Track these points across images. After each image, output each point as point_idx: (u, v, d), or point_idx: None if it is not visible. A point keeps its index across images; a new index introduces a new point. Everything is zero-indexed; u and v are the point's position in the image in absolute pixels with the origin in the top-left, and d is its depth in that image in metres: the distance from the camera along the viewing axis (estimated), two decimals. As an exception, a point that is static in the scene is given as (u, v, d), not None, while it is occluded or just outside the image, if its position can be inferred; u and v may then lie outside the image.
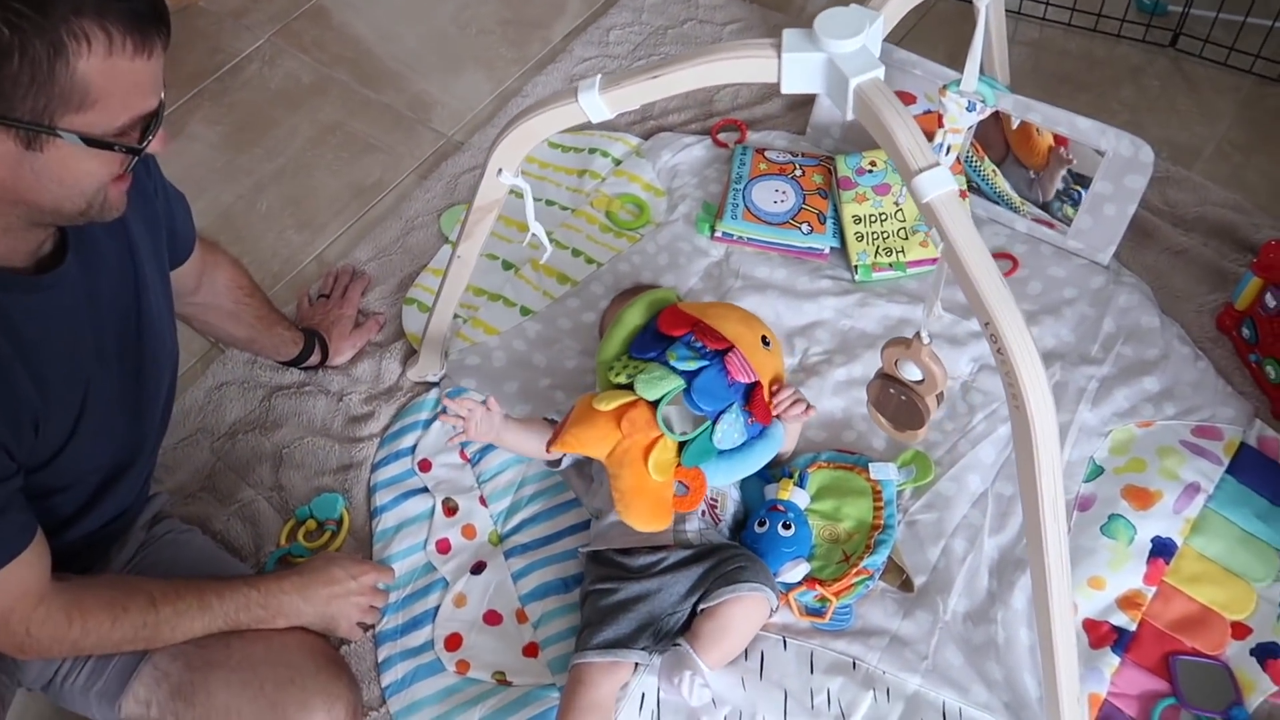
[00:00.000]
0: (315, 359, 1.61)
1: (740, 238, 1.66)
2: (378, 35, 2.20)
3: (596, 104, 1.05)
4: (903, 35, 1.88)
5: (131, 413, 1.14)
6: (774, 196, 1.67)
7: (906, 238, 1.59)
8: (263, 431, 1.58)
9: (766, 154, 1.73)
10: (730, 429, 1.24)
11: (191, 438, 1.59)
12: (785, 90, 1.00)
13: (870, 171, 1.63)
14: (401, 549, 1.44)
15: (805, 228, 1.64)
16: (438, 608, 1.38)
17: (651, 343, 1.30)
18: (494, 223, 1.29)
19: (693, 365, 1.24)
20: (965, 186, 1.61)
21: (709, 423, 1.23)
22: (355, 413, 1.59)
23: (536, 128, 1.10)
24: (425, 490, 1.49)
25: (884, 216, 1.61)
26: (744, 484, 1.39)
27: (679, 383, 1.24)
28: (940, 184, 0.89)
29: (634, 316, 1.35)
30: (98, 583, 1.11)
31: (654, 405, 1.23)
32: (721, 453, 1.24)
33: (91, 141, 0.85)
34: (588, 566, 1.31)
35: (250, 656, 1.18)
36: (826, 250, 1.64)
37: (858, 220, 1.61)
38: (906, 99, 1.67)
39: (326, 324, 1.65)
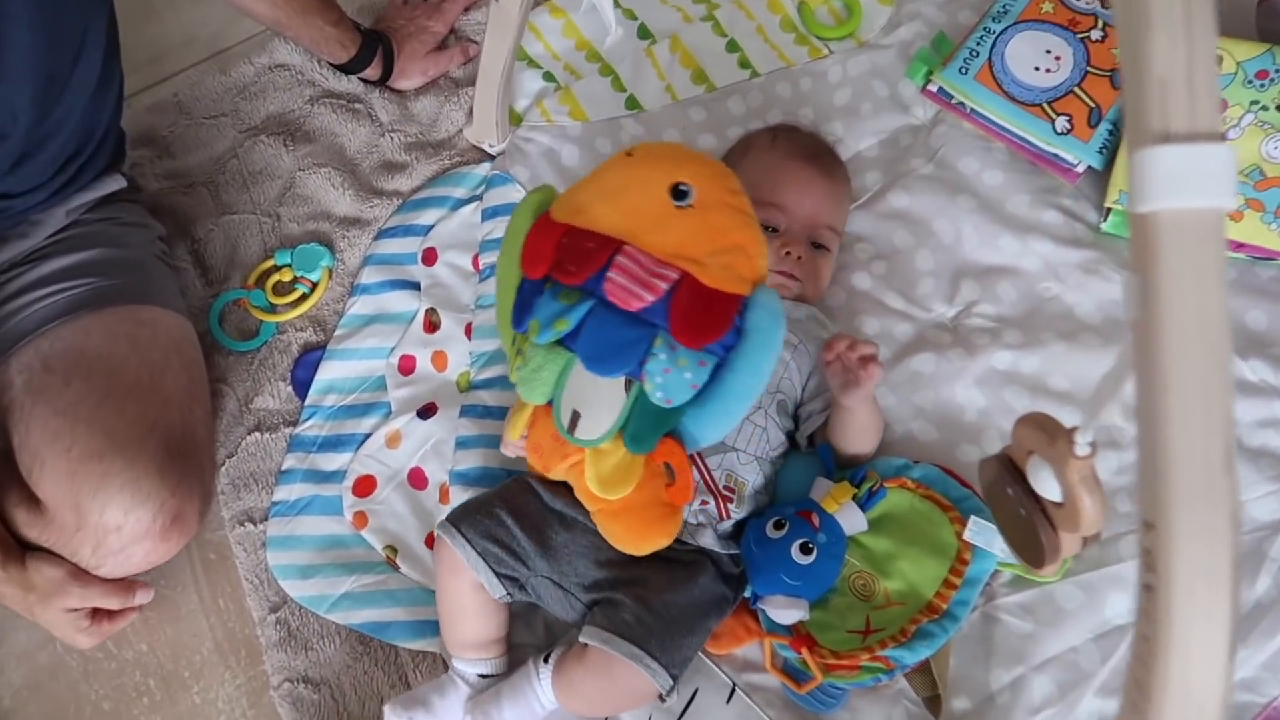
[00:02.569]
0: (374, 73, 1.24)
1: (960, 104, 1.08)
2: None
3: None
4: None
5: None
6: (1040, 59, 1.05)
7: (1212, 195, 0.96)
8: (290, 140, 1.25)
9: (1065, -12, 1.08)
10: (671, 378, 0.73)
11: (220, 119, 1.28)
12: None
13: (1207, 70, 0.98)
14: (364, 347, 1.11)
15: (1063, 122, 1.03)
16: (368, 436, 1.06)
17: (526, 299, 0.80)
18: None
19: (567, 325, 0.75)
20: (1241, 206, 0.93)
21: (635, 386, 0.75)
22: (391, 157, 1.22)
23: None
24: (417, 287, 1.13)
25: (1193, 149, 0.97)
26: (791, 465, 0.93)
27: (562, 360, 0.76)
28: (1199, 185, 0.35)
29: (519, 228, 0.81)
30: None
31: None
32: (687, 407, 0.75)
33: None
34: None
35: (82, 403, 0.91)
36: (1080, 167, 1.04)
37: (1148, 140, 0.99)
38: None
39: (404, 34, 1.25)
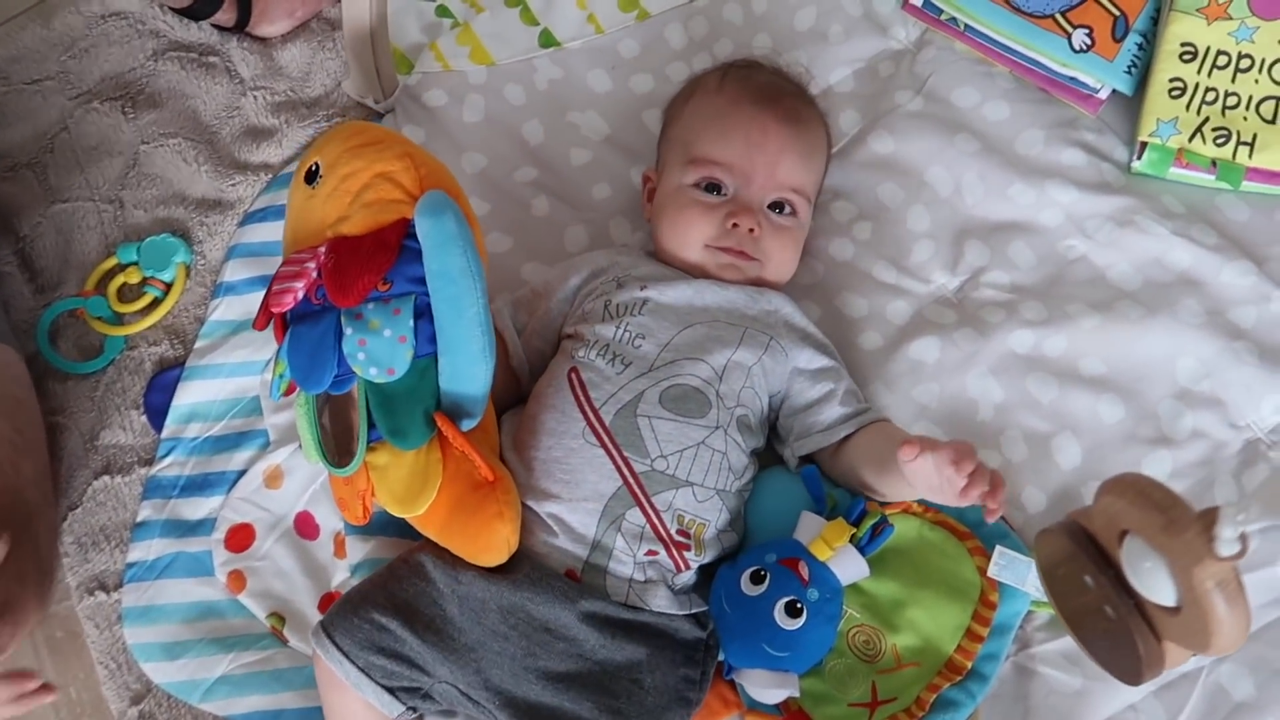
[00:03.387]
0: (228, 17, 1.03)
1: (951, 20, 0.87)
2: None
3: None
4: None
5: None
6: (1049, -42, 0.85)
7: (1273, 119, 0.77)
8: (131, 106, 1.06)
9: None
10: (372, 347, 0.65)
11: (45, 83, 1.09)
12: None
13: (1262, -38, 0.78)
14: (232, 361, 0.92)
15: (1081, 37, 0.83)
16: (242, 474, 0.87)
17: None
18: None
19: (284, 365, 0.70)
20: None
21: (359, 380, 0.68)
22: (256, 121, 1.02)
23: None
24: (295, 284, 0.92)
25: (1247, 64, 0.78)
26: (766, 488, 0.74)
27: (304, 406, 0.70)
28: None
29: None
30: None
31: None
32: (434, 366, 0.68)
33: None
34: None
35: None
36: (1103, 93, 0.84)
37: (1189, 54, 0.79)
38: None
39: (261, -33, 1.02)
